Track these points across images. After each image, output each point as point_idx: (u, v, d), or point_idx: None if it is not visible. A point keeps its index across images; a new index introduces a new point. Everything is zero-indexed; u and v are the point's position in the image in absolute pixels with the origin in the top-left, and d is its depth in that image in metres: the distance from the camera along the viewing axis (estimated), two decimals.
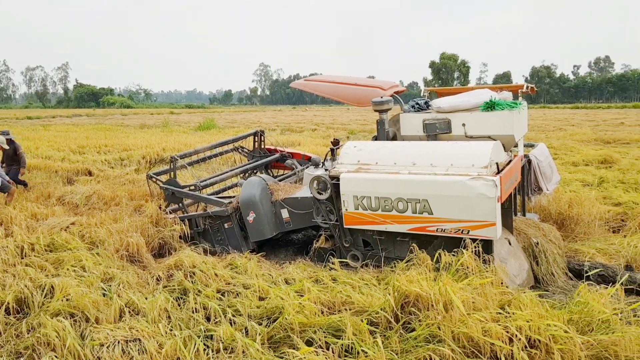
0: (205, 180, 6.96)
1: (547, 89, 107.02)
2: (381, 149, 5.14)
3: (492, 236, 4.41)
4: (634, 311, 3.74)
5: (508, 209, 5.36)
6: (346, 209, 5.05)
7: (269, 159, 8.14)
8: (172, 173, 6.95)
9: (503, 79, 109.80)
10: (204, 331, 3.85)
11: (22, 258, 5.55)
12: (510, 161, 5.11)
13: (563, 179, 9.20)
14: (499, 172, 4.55)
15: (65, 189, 9.51)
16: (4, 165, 9.76)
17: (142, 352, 3.58)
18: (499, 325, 3.33)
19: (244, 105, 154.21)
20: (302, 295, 4.25)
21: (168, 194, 6.76)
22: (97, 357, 3.57)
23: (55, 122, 43.73)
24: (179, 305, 4.43)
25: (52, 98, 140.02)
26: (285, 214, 5.97)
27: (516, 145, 5.60)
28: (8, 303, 4.38)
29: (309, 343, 3.62)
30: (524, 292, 3.86)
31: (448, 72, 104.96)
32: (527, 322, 3.32)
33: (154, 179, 7.07)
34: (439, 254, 4.44)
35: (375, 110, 5.71)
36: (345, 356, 3.46)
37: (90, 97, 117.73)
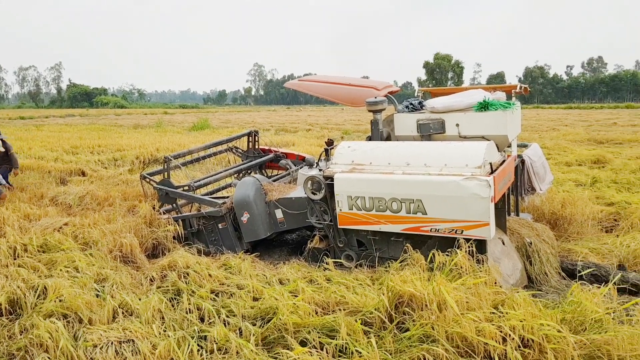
0: (199, 181, 6.94)
1: (540, 89, 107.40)
2: (375, 149, 5.14)
3: (485, 236, 4.43)
4: (626, 310, 3.76)
5: (502, 209, 5.37)
6: (340, 209, 5.05)
7: (263, 159, 8.14)
8: (165, 173, 6.92)
9: (497, 80, 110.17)
10: (198, 332, 3.84)
11: (15, 259, 5.52)
12: (503, 161, 5.12)
13: (556, 179, 9.24)
14: (492, 172, 4.56)
15: (58, 190, 9.46)
16: None
17: (135, 353, 3.57)
18: (493, 325, 3.34)
19: (238, 105, 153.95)
20: (296, 296, 4.25)
21: (162, 194, 6.74)
22: (91, 358, 3.56)
23: (49, 122, 43.51)
24: (172, 306, 4.41)
25: (45, 98, 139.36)
26: (279, 214, 5.97)
27: (510, 146, 5.62)
28: (0, 304, 4.36)
29: (303, 343, 3.62)
30: (518, 292, 3.87)
31: (442, 73, 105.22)
32: (521, 321, 3.33)
33: (147, 180, 7.05)
34: (433, 254, 4.45)
35: (369, 111, 5.72)
36: (339, 356, 3.47)
37: (83, 97, 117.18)
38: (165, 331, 3.88)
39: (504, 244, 5.15)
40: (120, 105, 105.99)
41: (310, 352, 3.45)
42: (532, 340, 3.22)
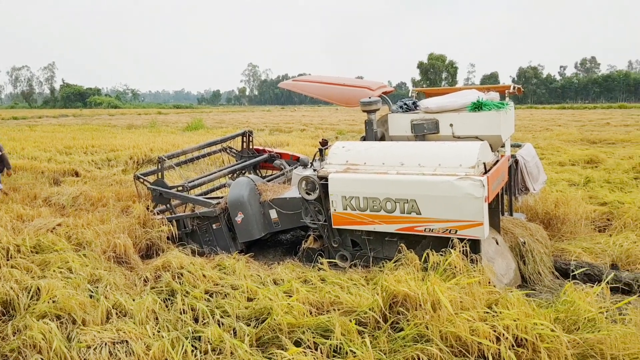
0: (193, 181, 6.93)
1: (534, 89, 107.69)
2: (369, 149, 5.15)
3: (479, 236, 4.44)
4: (619, 309, 3.78)
5: (495, 209, 5.39)
6: (335, 209, 5.05)
7: (257, 159, 8.13)
8: (159, 174, 6.91)
9: (490, 80, 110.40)
10: (192, 332, 3.84)
11: (8, 260, 5.49)
12: (497, 161, 5.14)
13: (550, 178, 9.27)
14: (486, 172, 4.57)
15: (51, 190, 9.43)
16: None
17: (129, 354, 3.56)
18: (487, 324, 3.35)
19: (232, 105, 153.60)
20: (290, 296, 4.25)
21: (155, 194, 6.73)
22: (84, 359, 3.55)
23: (42, 122, 43.35)
24: (166, 306, 4.41)
25: (38, 98, 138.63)
26: (273, 214, 5.96)
27: (503, 146, 5.64)
28: None
29: (297, 343, 3.62)
30: (511, 292, 3.89)
31: (436, 73, 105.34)
32: (514, 321, 3.34)
33: (141, 180, 7.03)
34: (427, 253, 4.46)
35: (364, 111, 5.73)
36: (334, 356, 3.47)
37: (77, 97, 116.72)
38: (159, 332, 3.87)
39: (497, 243, 5.17)
40: (114, 105, 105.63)
41: (304, 352, 3.45)
42: (526, 340, 3.23)
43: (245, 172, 7.91)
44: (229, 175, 7.83)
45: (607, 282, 4.16)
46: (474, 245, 4.57)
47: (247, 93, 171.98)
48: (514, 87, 6.13)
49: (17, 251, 5.67)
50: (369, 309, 3.81)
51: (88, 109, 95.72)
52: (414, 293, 3.69)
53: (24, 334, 3.79)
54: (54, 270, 5.03)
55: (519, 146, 6.67)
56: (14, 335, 3.93)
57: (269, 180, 6.90)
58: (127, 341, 3.68)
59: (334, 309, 4.01)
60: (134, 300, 4.45)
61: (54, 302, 4.27)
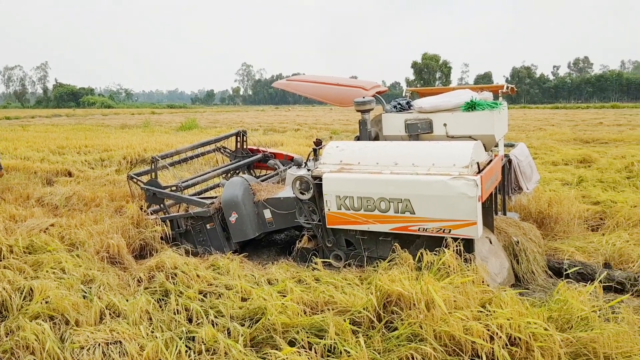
0: (187, 181, 6.91)
1: (527, 89, 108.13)
2: (363, 149, 5.15)
3: (473, 235, 4.45)
4: (612, 308, 3.79)
5: (489, 208, 5.41)
6: (329, 209, 5.05)
7: (251, 159, 8.12)
8: (153, 174, 6.89)
9: (484, 80, 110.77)
10: (186, 333, 3.83)
11: (0, 260, 5.46)
12: (490, 161, 5.16)
13: (543, 178, 9.30)
14: (479, 171, 4.59)
15: (44, 190, 9.37)
16: None
17: (123, 355, 3.55)
18: (480, 323, 3.36)
19: (226, 105, 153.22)
20: (284, 296, 4.24)
21: (149, 194, 6.71)
22: None
23: (35, 122, 43.11)
24: (160, 307, 4.39)
25: (31, 98, 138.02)
26: (267, 214, 5.95)
27: (497, 145, 5.66)
28: None
29: (291, 343, 3.61)
30: (505, 291, 3.90)
31: (430, 73, 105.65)
32: (508, 320, 3.35)
33: (134, 180, 7.00)
34: (421, 253, 4.47)
35: (358, 111, 5.73)
36: (328, 356, 3.47)
37: (70, 97, 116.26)
38: (153, 332, 3.86)
39: (491, 243, 5.18)
40: (107, 105, 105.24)
41: (298, 352, 3.45)
42: (519, 339, 3.24)
43: (239, 172, 7.90)
44: (223, 175, 7.82)
45: (600, 281, 4.18)
46: (468, 245, 4.58)
47: (241, 93, 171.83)
48: (508, 87, 6.15)
49: (9, 252, 5.64)
50: (363, 309, 3.81)
51: (81, 108, 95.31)
52: (408, 292, 3.70)
53: (17, 335, 3.77)
54: (47, 271, 5.00)
55: (512, 146, 6.70)
56: (6, 337, 3.91)
57: (263, 180, 6.89)
58: (120, 342, 3.66)
59: (328, 309, 4.01)
60: (127, 300, 4.43)
61: (47, 302, 4.25)
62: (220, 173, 7.60)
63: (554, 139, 18.72)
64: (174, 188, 6.64)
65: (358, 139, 5.89)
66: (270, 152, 8.34)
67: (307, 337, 3.61)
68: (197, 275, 4.96)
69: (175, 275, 4.97)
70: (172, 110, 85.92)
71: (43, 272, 4.99)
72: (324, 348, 3.50)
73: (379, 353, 3.40)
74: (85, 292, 4.63)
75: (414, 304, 3.62)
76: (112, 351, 3.57)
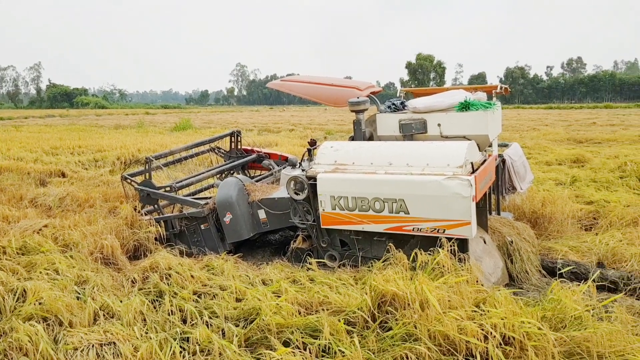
0: (181, 181, 6.89)
1: (521, 89, 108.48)
2: (358, 149, 5.15)
3: (467, 235, 4.46)
4: (605, 307, 3.81)
5: (483, 208, 5.42)
6: (323, 209, 5.05)
7: (245, 159, 8.11)
8: (147, 174, 6.87)
9: (478, 80, 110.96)
10: (180, 333, 3.82)
11: None
12: (484, 161, 5.17)
13: (536, 178, 9.34)
14: (473, 171, 4.60)
15: (37, 191, 9.33)
16: None
17: (117, 356, 3.54)
18: (474, 323, 3.36)
19: (220, 105, 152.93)
20: (279, 296, 4.24)
21: (143, 195, 6.69)
22: None
23: (28, 122, 42.94)
24: (154, 307, 4.38)
25: (24, 98, 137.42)
26: (262, 214, 5.95)
27: (490, 145, 5.67)
28: None
29: (286, 344, 3.61)
30: (499, 290, 3.91)
31: (424, 73, 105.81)
32: (502, 319, 3.36)
33: (128, 180, 6.99)
34: (416, 253, 4.48)
35: (352, 111, 5.73)
36: (323, 356, 3.47)
37: (63, 98, 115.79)
38: (147, 333, 3.85)
39: (485, 242, 5.20)
40: (101, 105, 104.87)
41: (293, 352, 3.45)
42: (513, 338, 3.25)
43: (233, 173, 7.89)
44: (217, 176, 7.81)
45: (594, 280, 4.19)
46: (462, 245, 4.59)
47: (235, 93, 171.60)
48: (501, 87, 6.17)
49: (2, 253, 5.61)
50: (358, 309, 3.81)
51: (75, 109, 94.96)
52: (402, 292, 3.70)
53: (10, 336, 3.76)
54: (41, 272, 4.98)
55: (506, 146, 6.71)
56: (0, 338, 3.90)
57: (257, 181, 6.89)
58: (114, 343, 3.65)
59: (323, 309, 4.01)
60: (121, 301, 4.42)
61: (40, 304, 4.23)
62: (214, 173, 7.59)
63: (548, 139, 18.79)
64: (168, 189, 6.62)
65: (352, 139, 5.89)
66: (264, 153, 8.34)
67: (302, 338, 3.61)
68: (192, 276, 4.95)
69: (170, 276, 4.96)
70: (166, 110, 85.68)
71: (36, 273, 4.97)
72: (319, 348, 3.50)
73: (373, 353, 3.41)
74: (79, 293, 4.62)
75: (409, 304, 3.62)
76: (106, 352, 3.56)
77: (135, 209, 6.75)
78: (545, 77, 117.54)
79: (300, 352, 3.47)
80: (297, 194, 5.31)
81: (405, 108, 5.73)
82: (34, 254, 5.55)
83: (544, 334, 3.21)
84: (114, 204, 8.11)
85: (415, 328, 3.44)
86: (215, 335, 3.71)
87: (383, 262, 4.65)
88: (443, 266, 4.23)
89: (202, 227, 6.28)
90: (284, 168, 7.05)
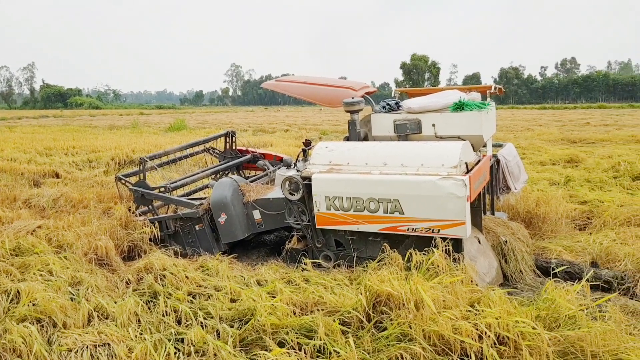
0: (176, 182, 6.88)
1: (515, 89, 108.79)
2: (353, 150, 5.16)
3: (462, 235, 4.47)
4: (599, 307, 3.83)
5: (477, 208, 5.44)
6: (318, 210, 5.05)
7: (240, 160, 8.10)
8: (141, 175, 6.85)
9: (472, 80, 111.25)
10: (175, 334, 3.81)
11: None
12: (479, 161, 5.18)
13: (531, 178, 9.37)
14: (468, 171, 4.61)
15: (31, 192, 9.29)
16: None
17: (111, 357, 3.52)
18: (469, 322, 3.37)
19: (215, 106, 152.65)
20: (274, 297, 4.24)
21: (137, 196, 6.67)
22: None
23: (21, 123, 42.74)
24: (149, 308, 4.37)
25: (17, 99, 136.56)
26: (257, 215, 5.94)
27: (485, 145, 5.68)
28: None
29: (281, 344, 3.61)
30: (493, 290, 3.92)
31: (419, 73, 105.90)
32: (496, 319, 3.37)
33: (123, 181, 6.96)
34: (410, 253, 4.48)
35: (347, 111, 5.74)
36: (318, 356, 3.47)
37: (57, 98, 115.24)
38: (141, 334, 3.84)
39: (479, 242, 5.21)
40: (95, 106, 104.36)
41: (288, 352, 3.45)
42: (508, 338, 3.26)
43: (228, 173, 7.88)
44: (212, 176, 7.80)
45: (587, 280, 4.22)
46: (457, 245, 4.60)
47: (230, 93, 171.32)
48: (496, 88, 6.19)
49: None
50: (353, 309, 3.81)
51: (69, 109, 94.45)
52: (397, 292, 3.70)
53: (4, 337, 3.74)
54: (34, 273, 4.96)
55: (500, 146, 6.73)
56: None
57: (252, 181, 6.88)
58: (109, 344, 3.64)
59: (318, 309, 4.01)
60: (115, 302, 4.40)
61: (34, 305, 4.22)
62: (209, 174, 7.58)
63: (542, 139, 18.85)
64: (162, 189, 6.61)
65: (347, 139, 5.89)
66: (259, 153, 8.33)
67: (297, 338, 3.61)
68: (186, 277, 4.94)
69: (164, 276, 4.94)
70: (160, 111, 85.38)
71: (30, 275, 4.94)
72: (314, 348, 3.50)
73: (368, 353, 3.41)
74: (73, 294, 4.61)
75: (403, 304, 3.62)
76: (100, 353, 3.54)
77: (129, 210, 6.73)
78: (539, 78, 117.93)
79: (295, 352, 3.46)
80: (292, 194, 5.31)
81: (400, 108, 5.73)
82: (28, 255, 5.53)
83: (538, 334, 3.22)
84: (108, 204, 8.08)
85: (410, 328, 3.44)
86: (210, 336, 3.70)
87: (378, 262, 4.66)
88: (438, 266, 4.24)
89: (197, 227, 6.26)
90: (278, 168, 7.05)
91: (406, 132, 5.45)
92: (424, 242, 4.63)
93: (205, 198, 6.66)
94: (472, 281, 4.23)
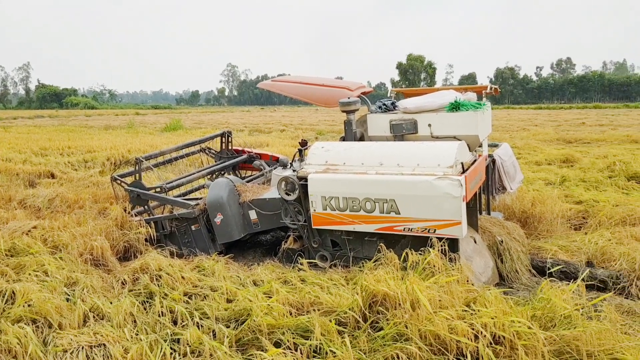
0: (172, 182, 6.86)
1: (511, 89, 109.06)
2: (349, 150, 5.16)
3: (458, 235, 4.48)
4: (595, 306, 3.84)
5: (473, 208, 5.45)
6: (314, 210, 5.05)
7: (236, 160, 8.09)
8: (137, 175, 6.84)
9: (468, 80, 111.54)
10: (171, 335, 3.81)
11: None
12: (475, 161, 5.19)
13: (526, 178, 9.39)
14: (464, 171, 4.61)
15: (26, 192, 9.25)
16: None
17: (107, 358, 3.52)
18: (465, 322, 3.37)
19: (211, 106, 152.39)
20: (270, 297, 4.24)
21: (133, 196, 6.66)
22: None
23: (17, 123, 42.59)
24: (145, 309, 4.36)
25: (13, 99, 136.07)
26: (253, 215, 5.94)
27: (481, 145, 5.70)
28: None
29: (277, 344, 3.61)
30: (489, 290, 3.93)
31: (415, 73, 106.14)
32: (492, 318, 3.37)
33: (118, 181, 6.95)
34: (406, 253, 4.49)
35: (343, 111, 5.74)
36: (314, 357, 3.47)
37: (52, 98, 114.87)
38: (137, 335, 3.83)
39: (475, 242, 5.22)
40: (91, 106, 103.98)
41: (284, 353, 3.45)
42: (504, 337, 3.26)
43: (224, 173, 7.87)
44: (208, 176, 7.79)
45: (583, 280, 4.22)
46: (453, 244, 4.61)
47: (226, 93, 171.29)
48: (491, 88, 6.20)
49: None
50: (349, 309, 3.81)
51: (64, 109, 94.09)
52: (393, 292, 3.71)
53: None
54: (30, 274, 4.94)
55: (496, 146, 6.75)
56: None
57: (248, 181, 6.87)
58: (104, 344, 3.63)
59: (314, 310, 4.00)
60: (111, 303, 4.39)
61: (29, 306, 4.20)
62: (205, 174, 7.56)
63: (537, 139, 18.90)
64: (158, 189, 6.59)
65: (343, 139, 5.90)
66: (255, 153, 8.32)
67: (293, 338, 3.61)
68: (182, 277, 4.93)
69: (160, 277, 4.93)
70: (156, 111, 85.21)
71: (25, 275, 4.92)
72: (310, 349, 3.50)
73: (364, 353, 3.41)
74: (69, 295, 4.59)
75: (400, 304, 3.63)
76: (95, 354, 3.53)
77: (125, 210, 6.71)
78: (535, 78, 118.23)
79: (291, 352, 3.46)
80: (288, 194, 5.31)
81: (396, 108, 5.74)
82: (23, 256, 5.50)
83: (534, 333, 3.22)
84: (103, 205, 8.06)
85: (406, 328, 3.44)
86: (206, 336, 3.70)
87: (374, 262, 4.66)
88: (434, 266, 4.24)
89: (193, 227, 6.25)
90: (275, 168, 7.04)
91: (402, 132, 5.46)
92: (420, 242, 4.64)
93: (201, 198, 6.65)
94: (468, 281, 4.24)
